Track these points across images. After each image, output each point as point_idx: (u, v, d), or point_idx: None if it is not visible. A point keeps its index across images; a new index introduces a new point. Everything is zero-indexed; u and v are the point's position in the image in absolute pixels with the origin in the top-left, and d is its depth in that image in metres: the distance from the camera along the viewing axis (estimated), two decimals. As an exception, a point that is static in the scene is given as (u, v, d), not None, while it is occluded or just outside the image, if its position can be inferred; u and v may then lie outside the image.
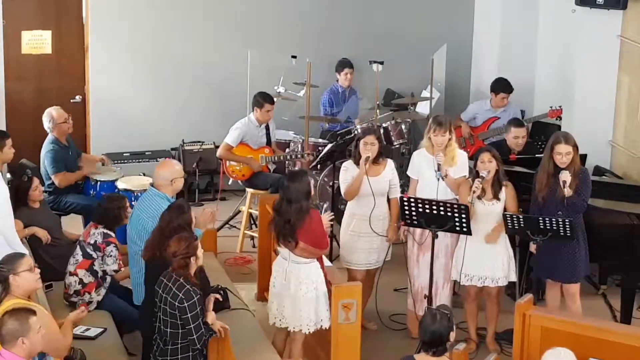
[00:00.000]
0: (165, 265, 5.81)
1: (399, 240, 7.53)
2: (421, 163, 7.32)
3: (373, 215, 7.26)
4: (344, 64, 10.37)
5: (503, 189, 7.06)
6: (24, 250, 6.20)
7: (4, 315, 4.92)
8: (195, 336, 5.55)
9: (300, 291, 6.37)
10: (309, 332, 6.43)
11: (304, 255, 6.38)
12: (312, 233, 6.33)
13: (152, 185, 6.90)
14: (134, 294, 6.72)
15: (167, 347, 5.64)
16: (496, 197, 7.05)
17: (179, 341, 5.59)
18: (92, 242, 6.91)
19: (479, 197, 6.98)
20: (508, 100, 9.77)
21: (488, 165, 6.98)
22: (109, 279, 6.96)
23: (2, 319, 4.89)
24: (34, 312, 4.97)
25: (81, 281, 6.88)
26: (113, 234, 6.98)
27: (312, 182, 6.50)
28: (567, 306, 7.10)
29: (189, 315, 5.52)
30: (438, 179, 7.11)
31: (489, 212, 7.01)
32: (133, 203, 7.88)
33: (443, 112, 10.57)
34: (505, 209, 7.04)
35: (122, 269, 6.97)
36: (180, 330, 5.57)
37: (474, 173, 7.07)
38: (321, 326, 6.43)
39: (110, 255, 6.89)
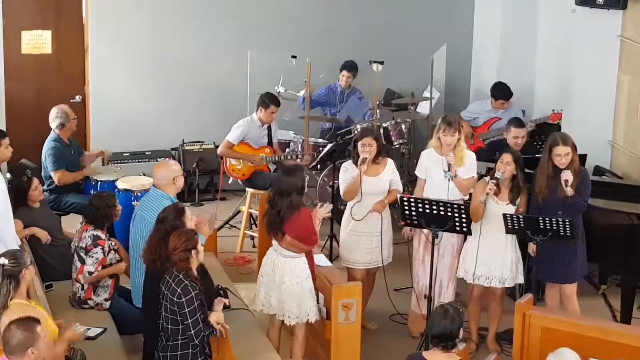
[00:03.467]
0: (163, 272, 5.80)
1: (404, 238, 7.54)
2: (429, 163, 7.31)
3: (361, 211, 7.27)
4: (343, 66, 10.33)
5: (520, 195, 7.04)
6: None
7: (10, 326, 4.86)
8: (192, 331, 5.55)
9: (284, 284, 6.47)
10: (290, 324, 6.52)
11: (290, 249, 6.46)
12: (300, 228, 6.41)
13: (154, 186, 6.91)
14: (134, 296, 6.70)
15: (168, 343, 5.66)
16: (512, 202, 7.02)
17: (179, 337, 5.61)
18: (83, 245, 6.89)
19: (495, 194, 6.96)
20: (508, 104, 9.79)
21: (505, 166, 6.96)
22: (108, 280, 6.93)
23: (9, 329, 4.81)
24: (38, 321, 4.94)
25: (83, 287, 6.88)
26: (103, 236, 6.93)
27: (306, 178, 6.58)
28: (565, 307, 7.11)
29: (186, 310, 5.53)
30: (448, 179, 7.09)
31: (502, 212, 6.96)
32: (134, 203, 7.89)
33: (443, 113, 10.57)
34: None
35: (96, 272, 6.87)
36: (180, 327, 5.59)
37: (492, 171, 7.04)
38: (307, 320, 6.49)
39: (92, 257, 6.84)
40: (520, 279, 7.15)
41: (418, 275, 7.40)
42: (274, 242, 6.59)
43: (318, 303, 6.57)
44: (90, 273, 6.85)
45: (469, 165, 7.27)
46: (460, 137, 7.22)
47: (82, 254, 6.87)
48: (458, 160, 7.17)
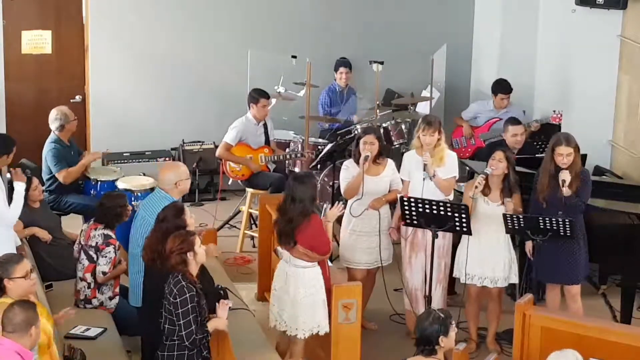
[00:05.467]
0: (163, 271, 5.79)
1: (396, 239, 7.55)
2: (411, 164, 7.32)
3: (360, 209, 7.26)
4: (339, 64, 10.38)
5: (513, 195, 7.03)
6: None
7: (13, 305, 4.88)
8: (183, 333, 5.52)
9: (299, 295, 6.38)
10: (304, 338, 6.42)
11: (303, 259, 6.38)
12: (311, 237, 6.33)
13: (159, 187, 6.88)
14: (131, 296, 6.68)
15: (166, 342, 5.65)
16: (503, 202, 7.02)
17: (175, 337, 5.59)
18: (93, 244, 6.89)
19: (485, 194, 6.97)
20: (509, 101, 9.79)
21: (497, 163, 6.98)
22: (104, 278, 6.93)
23: (12, 308, 4.84)
24: (35, 305, 4.99)
25: (89, 285, 6.87)
26: (114, 235, 6.95)
27: (318, 187, 6.50)
28: (568, 307, 7.11)
29: (180, 311, 5.52)
30: (424, 179, 7.10)
31: (492, 213, 6.97)
32: (133, 203, 7.89)
33: (443, 112, 10.60)
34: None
35: (109, 272, 6.88)
36: (175, 327, 5.57)
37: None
38: (317, 332, 6.42)
39: (105, 256, 6.85)
40: (514, 279, 7.15)
41: (406, 276, 7.40)
42: (285, 254, 6.47)
43: None
44: (104, 273, 6.85)
45: (449, 165, 7.24)
46: (440, 137, 7.21)
47: (91, 253, 6.86)
48: (437, 160, 7.15)
